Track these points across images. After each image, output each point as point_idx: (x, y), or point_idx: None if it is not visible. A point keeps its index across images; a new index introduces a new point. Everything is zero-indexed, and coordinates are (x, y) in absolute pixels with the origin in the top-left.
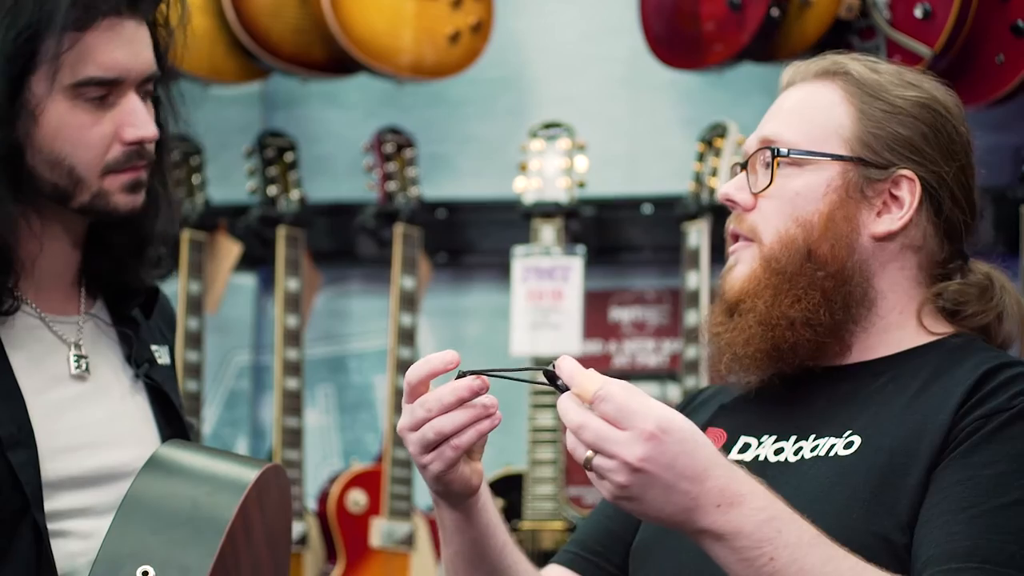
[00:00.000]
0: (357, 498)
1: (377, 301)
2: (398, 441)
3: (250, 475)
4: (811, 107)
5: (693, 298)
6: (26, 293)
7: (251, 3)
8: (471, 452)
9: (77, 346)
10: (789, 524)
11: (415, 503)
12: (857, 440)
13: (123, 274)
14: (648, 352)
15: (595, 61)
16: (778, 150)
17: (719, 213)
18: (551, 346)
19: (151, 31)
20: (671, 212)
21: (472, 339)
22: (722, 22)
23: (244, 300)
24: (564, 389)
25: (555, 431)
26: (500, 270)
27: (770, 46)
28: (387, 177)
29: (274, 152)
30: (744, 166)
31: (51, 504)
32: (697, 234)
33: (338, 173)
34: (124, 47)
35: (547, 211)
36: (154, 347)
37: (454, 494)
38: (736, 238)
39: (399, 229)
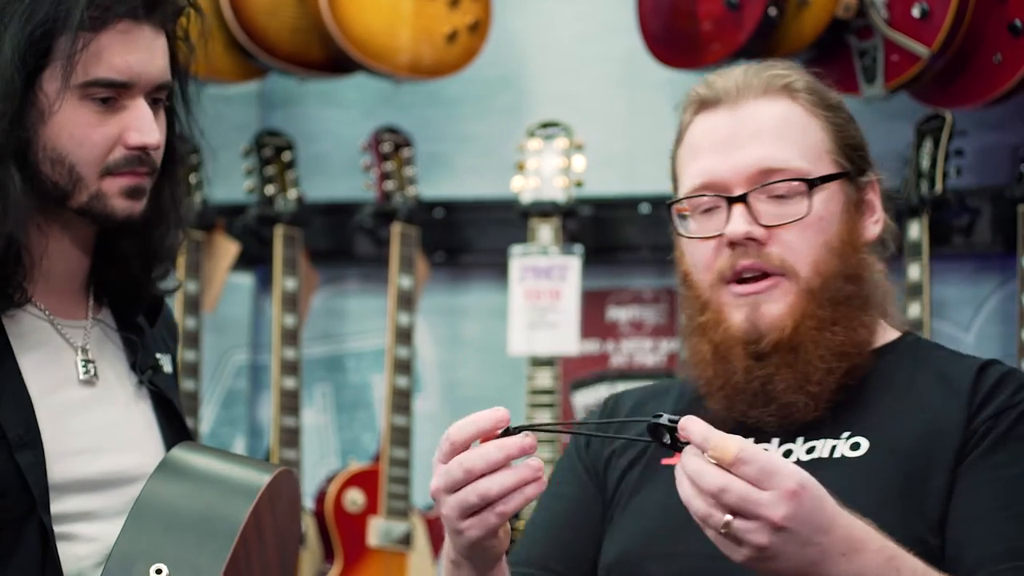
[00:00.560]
0: (355, 497)
1: (374, 300)
2: (395, 440)
3: (263, 479)
4: (791, 127)
5: None
6: (35, 294)
7: (248, 2)
8: None
9: (84, 351)
10: (904, 560)
11: (413, 502)
12: (864, 442)
13: (131, 284)
14: (645, 351)
15: (593, 60)
16: (815, 180)
17: None
18: (548, 345)
19: (170, 41)
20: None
21: (469, 338)
22: (720, 21)
23: (242, 299)
24: (671, 444)
25: (551, 431)
26: (498, 269)
27: (768, 45)
28: (384, 176)
29: (271, 151)
30: (741, 199)
31: (57, 507)
32: None
33: (336, 172)
34: (137, 52)
35: (545, 210)
36: (158, 355)
37: (485, 559)
38: (761, 276)
39: (396, 228)
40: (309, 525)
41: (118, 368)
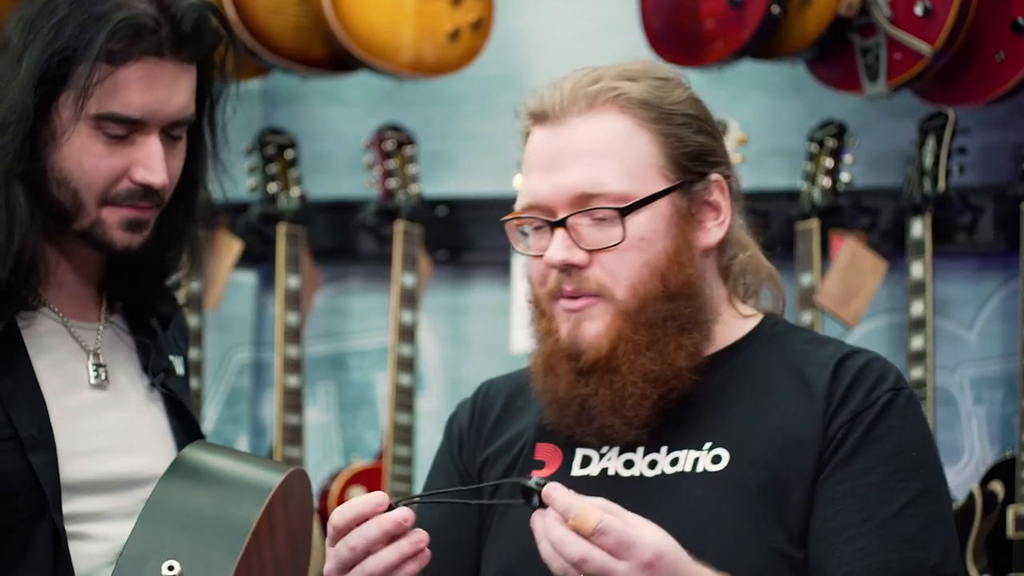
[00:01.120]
0: (357, 496)
1: (377, 298)
2: (398, 438)
3: (275, 478)
4: (615, 144)
5: None
6: (49, 297)
7: (252, 0)
8: None
9: (96, 355)
10: None
11: None
12: (725, 454)
13: (141, 295)
14: None
15: (595, 59)
16: (628, 207)
17: None
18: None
19: (203, 72)
20: None
21: (472, 336)
22: (722, 19)
23: (244, 297)
24: (537, 504)
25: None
26: (500, 267)
27: (771, 43)
28: (387, 174)
29: (274, 149)
30: (559, 224)
31: (68, 507)
32: None
33: (338, 170)
34: (155, 90)
35: None
36: (170, 357)
37: None
38: (574, 297)
39: (399, 226)
40: (313, 523)
41: (130, 371)
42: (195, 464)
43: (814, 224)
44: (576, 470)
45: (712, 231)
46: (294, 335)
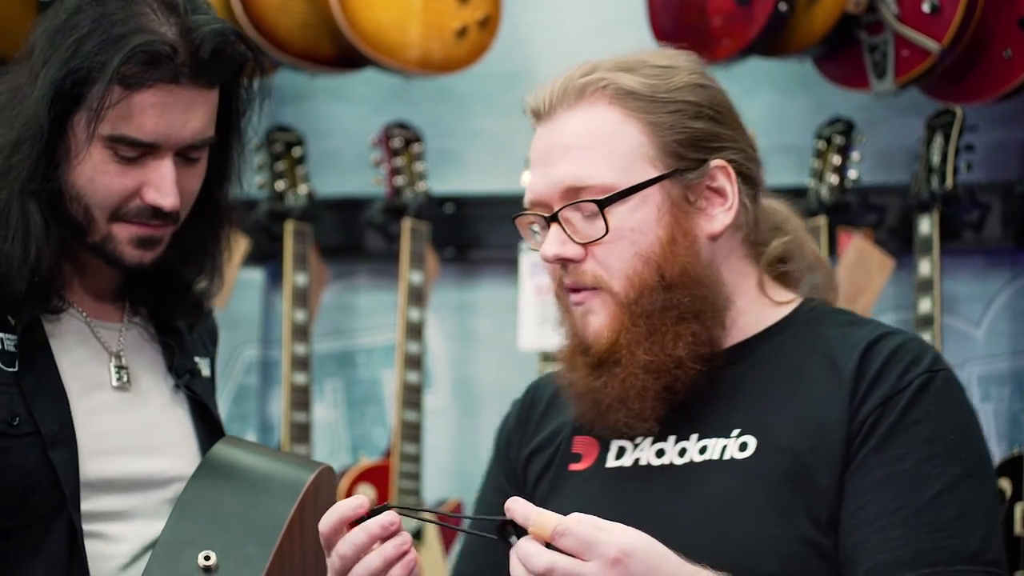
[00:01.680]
0: (365, 493)
1: (385, 296)
2: (406, 436)
3: (307, 476)
4: (602, 136)
5: None
6: (72, 297)
7: None
8: None
9: (118, 356)
10: None
11: (423, 498)
12: (752, 441)
13: (162, 302)
14: None
15: (602, 56)
16: (606, 199)
17: None
18: (559, 341)
19: (227, 92)
20: None
21: (480, 334)
22: (730, 17)
23: (252, 295)
24: (510, 540)
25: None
26: (508, 265)
27: (778, 41)
28: (395, 172)
29: (282, 147)
30: (552, 219)
31: (87, 505)
32: None
33: (346, 168)
34: (169, 115)
35: None
36: (196, 359)
37: None
38: (576, 290)
39: (407, 224)
40: None
41: (155, 371)
42: (227, 460)
43: (821, 221)
44: (611, 461)
45: (718, 217)
46: (301, 332)
